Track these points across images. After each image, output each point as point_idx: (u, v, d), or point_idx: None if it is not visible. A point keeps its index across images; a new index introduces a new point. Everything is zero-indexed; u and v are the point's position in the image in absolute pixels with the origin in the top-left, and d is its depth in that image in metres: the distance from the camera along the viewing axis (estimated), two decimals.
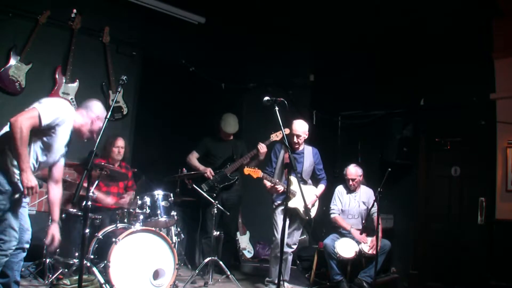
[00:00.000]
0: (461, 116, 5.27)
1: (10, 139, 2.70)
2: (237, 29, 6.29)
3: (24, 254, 3.00)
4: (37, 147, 2.89)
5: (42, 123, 2.79)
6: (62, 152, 3.07)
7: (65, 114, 2.95)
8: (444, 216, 5.41)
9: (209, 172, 5.08)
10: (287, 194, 3.24)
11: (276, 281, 4.39)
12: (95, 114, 3.13)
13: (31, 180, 2.71)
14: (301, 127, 4.53)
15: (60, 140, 2.99)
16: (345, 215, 4.94)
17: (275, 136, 4.91)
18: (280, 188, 4.46)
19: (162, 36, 5.87)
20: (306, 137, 4.59)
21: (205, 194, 4.85)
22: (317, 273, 5.14)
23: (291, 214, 4.45)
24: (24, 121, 2.70)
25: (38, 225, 4.54)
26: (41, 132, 2.86)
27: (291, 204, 4.40)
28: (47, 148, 2.94)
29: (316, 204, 4.67)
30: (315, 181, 4.74)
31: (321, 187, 4.71)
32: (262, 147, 4.89)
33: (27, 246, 3.02)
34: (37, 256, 4.08)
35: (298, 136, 4.52)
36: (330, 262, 4.64)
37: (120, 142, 4.74)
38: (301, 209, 4.46)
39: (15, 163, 2.76)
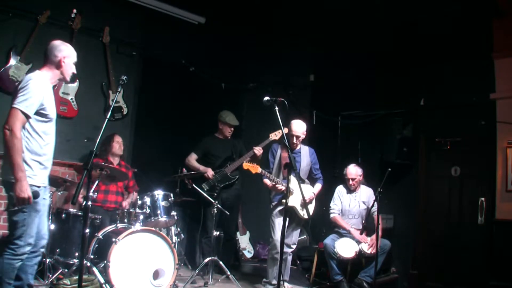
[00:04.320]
0: (461, 116, 5.27)
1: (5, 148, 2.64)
2: (237, 29, 6.28)
3: (39, 258, 2.97)
4: (33, 132, 2.81)
5: (30, 115, 2.75)
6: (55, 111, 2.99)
7: (38, 88, 2.85)
8: (444, 216, 5.41)
9: (209, 172, 5.08)
10: (287, 194, 3.25)
11: (273, 282, 4.43)
12: (61, 55, 3.06)
13: (24, 191, 2.63)
14: (300, 127, 4.54)
15: (50, 105, 2.92)
16: (346, 215, 4.94)
17: (274, 136, 4.92)
18: (281, 187, 4.46)
19: (162, 36, 5.86)
20: (304, 137, 4.61)
21: (205, 194, 4.84)
22: (317, 273, 5.14)
23: (289, 214, 4.45)
24: (13, 126, 2.66)
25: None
26: (36, 115, 2.81)
27: (288, 202, 4.38)
28: (46, 123, 2.87)
29: (314, 202, 4.67)
30: (312, 181, 4.74)
31: (318, 186, 4.72)
32: (258, 150, 4.90)
33: (42, 250, 3.00)
34: None
35: (297, 136, 4.53)
36: (330, 262, 4.64)
37: (119, 138, 4.90)
38: (298, 207, 4.47)
39: (27, 168, 2.72)
